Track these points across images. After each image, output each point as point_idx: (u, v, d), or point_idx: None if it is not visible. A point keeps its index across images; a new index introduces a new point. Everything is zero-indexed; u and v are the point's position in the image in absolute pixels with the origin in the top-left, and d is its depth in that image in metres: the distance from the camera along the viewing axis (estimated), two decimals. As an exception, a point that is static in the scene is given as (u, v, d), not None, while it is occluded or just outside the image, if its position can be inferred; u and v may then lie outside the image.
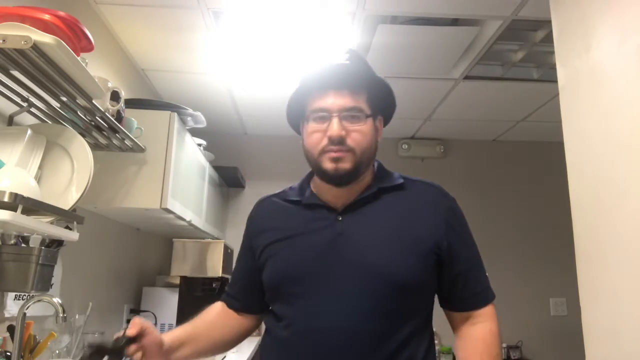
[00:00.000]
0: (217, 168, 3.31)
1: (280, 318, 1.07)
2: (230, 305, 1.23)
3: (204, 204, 2.98)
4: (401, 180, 1.13)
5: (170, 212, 2.22)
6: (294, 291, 1.05)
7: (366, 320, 0.99)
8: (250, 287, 1.19)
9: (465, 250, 1.10)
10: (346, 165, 1.05)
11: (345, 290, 1.01)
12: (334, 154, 1.04)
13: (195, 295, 2.75)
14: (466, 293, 1.10)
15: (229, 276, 2.22)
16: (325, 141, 1.05)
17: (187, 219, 2.52)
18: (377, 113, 1.13)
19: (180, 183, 2.34)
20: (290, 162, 3.27)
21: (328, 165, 1.05)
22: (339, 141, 1.04)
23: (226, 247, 2.88)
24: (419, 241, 1.05)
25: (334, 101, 1.05)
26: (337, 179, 1.07)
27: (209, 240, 2.92)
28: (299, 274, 1.05)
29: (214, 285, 2.82)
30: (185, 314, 2.58)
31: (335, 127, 1.04)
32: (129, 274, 2.80)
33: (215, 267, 2.79)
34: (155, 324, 2.81)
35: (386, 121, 1.21)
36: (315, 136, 1.07)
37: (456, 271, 1.09)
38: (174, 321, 2.73)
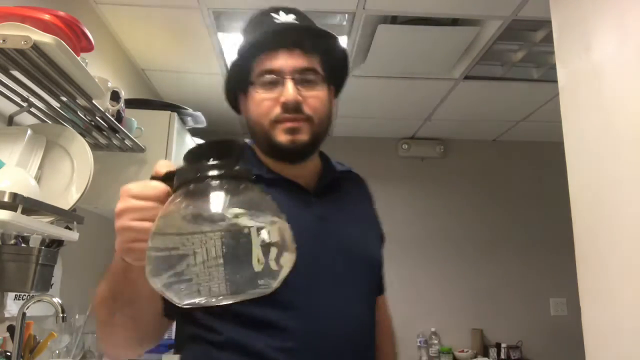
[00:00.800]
0: None
1: (264, 326, 0.81)
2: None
3: None
4: (347, 165, 1.06)
5: None
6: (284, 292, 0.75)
7: (367, 318, 0.92)
8: None
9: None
10: (304, 137, 0.88)
11: (345, 288, 0.88)
12: (289, 124, 0.87)
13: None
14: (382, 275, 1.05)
15: None
16: (277, 109, 0.87)
17: None
18: (331, 80, 0.95)
19: None
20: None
21: (282, 137, 0.87)
22: (294, 108, 0.86)
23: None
24: (374, 226, 1.02)
25: (285, 62, 0.88)
26: (294, 154, 0.89)
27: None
28: None
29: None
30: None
31: (290, 91, 0.86)
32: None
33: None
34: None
35: (336, 93, 1.00)
36: (265, 105, 0.88)
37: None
38: (174, 321, 2.72)
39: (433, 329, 3.58)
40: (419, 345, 3.54)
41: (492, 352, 3.51)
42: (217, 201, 0.59)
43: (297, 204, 0.89)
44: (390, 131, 3.81)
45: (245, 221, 0.57)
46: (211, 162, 0.61)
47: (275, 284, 0.59)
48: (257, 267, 0.56)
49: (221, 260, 0.55)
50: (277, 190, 0.83)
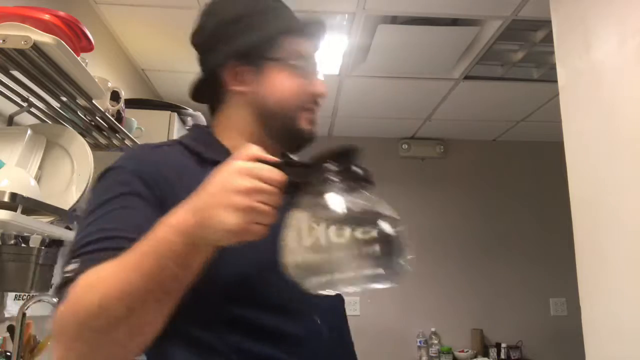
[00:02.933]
0: None
1: (268, 334, 0.75)
2: None
3: None
4: None
5: None
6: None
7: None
8: None
9: None
10: (317, 129, 0.88)
11: None
12: (314, 115, 0.88)
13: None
14: None
15: None
16: (307, 97, 0.86)
17: None
18: None
19: None
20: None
21: (305, 125, 0.86)
22: (322, 99, 0.88)
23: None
24: None
25: (319, 54, 0.89)
26: (305, 143, 0.88)
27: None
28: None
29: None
30: None
31: (324, 85, 0.87)
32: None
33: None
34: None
35: None
36: (295, 88, 0.85)
37: None
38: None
39: (433, 329, 3.58)
40: (419, 345, 3.55)
41: (492, 352, 3.51)
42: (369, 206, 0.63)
43: None
44: (391, 131, 3.81)
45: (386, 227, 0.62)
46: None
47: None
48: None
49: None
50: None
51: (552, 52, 1.72)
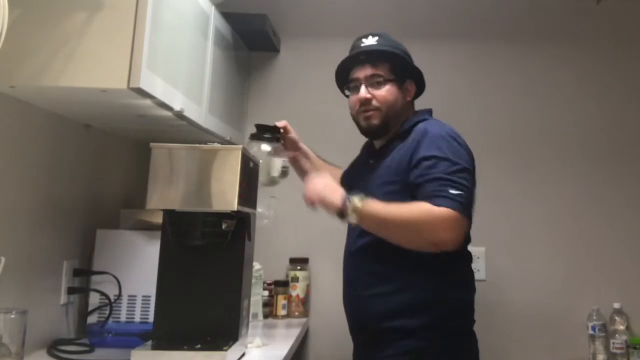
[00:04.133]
0: (229, 16, 1.98)
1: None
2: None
3: (207, 81, 1.75)
4: (406, 127, 1.46)
5: (145, 94, 1.34)
6: None
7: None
8: None
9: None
10: (375, 121, 1.45)
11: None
12: (364, 114, 1.45)
13: (190, 246, 1.44)
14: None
15: (250, 210, 1.46)
16: (358, 105, 1.46)
17: (176, 107, 1.51)
18: (404, 77, 1.48)
19: (163, 43, 1.42)
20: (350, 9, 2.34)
21: (363, 122, 1.48)
22: (366, 102, 1.44)
23: (246, 159, 1.50)
24: (392, 171, 1.42)
25: (360, 73, 1.46)
26: (369, 133, 1.50)
27: (216, 145, 1.55)
28: None
29: (224, 227, 1.48)
30: (172, 278, 1.39)
31: (362, 92, 1.44)
32: (71, 206, 1.60)
33: (226, 195, 1.44)
34: (119, 295, 1.59)
35: (419, 85, 1.53)
36: (352, 101, 1.49)
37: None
38: (151, 291, 1.46)
39: (617, 305, 2.09)
40: (592, 334, 2.08)
41: None
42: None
43: (365, 159, 1.58)
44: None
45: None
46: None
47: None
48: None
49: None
50: (366, 150, 1.61)
51: None
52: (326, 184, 1.35)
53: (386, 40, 1.49)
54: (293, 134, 1.59)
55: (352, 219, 1.29)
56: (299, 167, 1.64)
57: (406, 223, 1.27)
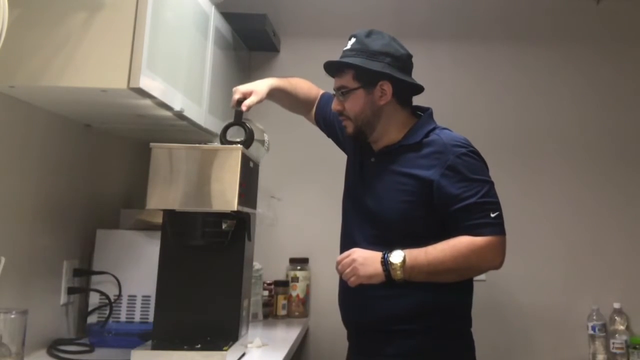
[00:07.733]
0: (229, 16, 2.01)
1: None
2: None
3: (207, 81, 1.76)
4: (418, 139, 1.40)
5: (145, 94, 1.35)
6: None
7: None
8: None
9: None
10: (349, 129, 1.46)
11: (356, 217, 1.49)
12: (341, 124, 1.50)
13: (190, 246, 1.45)
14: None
15: (250, 210, 1.48)
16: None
17: (176, 107, 1.52)
18: (375, 80, 1.40)
19: (163, 43, 1.43)
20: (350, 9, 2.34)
21: (346, 131, 1.50)
22: (339, 113, 1.46)
23: (246, 159, 1.50)
24: (406, 187, 1.39)
25: (334, 84, 1.47)
26: (355, 140, 1.50)
27: (216, 145, 1.54)
28: None
29: (224, 227, 1.49)
30: (172, 278, 1.40)
31: (334, 104, 1.48)
32: (71, 206, 1.60)
33: (226, 195, 1.44)
34: (119, 295, 1.59)
35: (401, 82, 1.41)
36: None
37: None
38: (151, 291, 1.47)
39: (617, 306, 2.09)
40: (592, 334, 2.08)
41: None
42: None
43: (364, 158, 1.50)
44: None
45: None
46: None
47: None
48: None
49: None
50: (363, 149, 1.51)
51: None
52: (364, 258, 1.34)
53: (358, 41, 1.43)
54: (254, 102, 1.49)
55: (399, 278, 1.30)
56: (278, 102, 1.70)
57: (455, 265, 1.29)
